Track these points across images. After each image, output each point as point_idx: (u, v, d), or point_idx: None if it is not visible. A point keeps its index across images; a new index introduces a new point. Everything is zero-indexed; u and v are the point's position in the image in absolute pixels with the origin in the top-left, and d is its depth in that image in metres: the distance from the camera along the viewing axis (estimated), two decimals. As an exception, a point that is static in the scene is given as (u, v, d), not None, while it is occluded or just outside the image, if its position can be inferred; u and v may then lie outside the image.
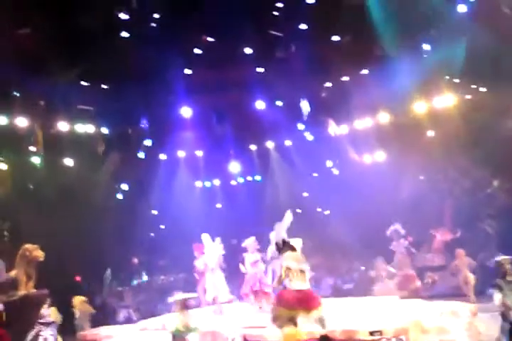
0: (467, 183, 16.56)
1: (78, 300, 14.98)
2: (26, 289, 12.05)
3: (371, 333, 9.65)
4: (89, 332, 13.52)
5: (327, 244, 13.51)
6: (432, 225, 16.32)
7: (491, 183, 17.31)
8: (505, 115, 15.06)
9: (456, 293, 13.64)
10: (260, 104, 17.04)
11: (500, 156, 15.04)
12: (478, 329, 10.51)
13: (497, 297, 8.69)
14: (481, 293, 13.91)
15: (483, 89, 15.35)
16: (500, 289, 8.72)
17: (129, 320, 15.27)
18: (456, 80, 15.50)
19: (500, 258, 9.26)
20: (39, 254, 12.00)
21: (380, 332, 9.59)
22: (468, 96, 15.49)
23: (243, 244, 13.59)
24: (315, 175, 19.70)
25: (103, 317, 15.41)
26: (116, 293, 16.41)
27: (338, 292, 14.36)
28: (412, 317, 10.39)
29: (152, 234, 20.07)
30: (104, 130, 16.91)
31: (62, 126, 15.76)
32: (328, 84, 17.12)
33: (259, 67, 16.28)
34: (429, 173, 16.88)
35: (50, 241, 13.71)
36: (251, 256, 13.52)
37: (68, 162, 16.56)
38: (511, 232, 12.40)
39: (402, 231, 15.29)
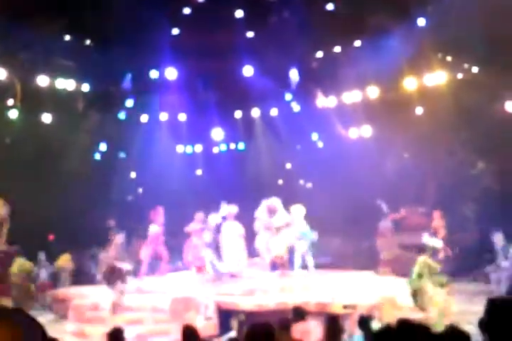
0: (452, 164, 16.73)
1: (62, 258, 15.14)
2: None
3: (344, 307, 9.88)
4: (61, 290, 13.65)
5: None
6: (413, 204, 16.55)
7: (476, 165, 17.55)
8: (495, 97, 15.16)
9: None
10: (248, 71, 16.82)
11: (487, 138, 15.21)
12: (451, 309, 10.80)
13: None
14: (457, 274, 14.26)
15: (475, 70, 15.38)
16: None
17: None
18: (449, 58, 15.53)
19: None
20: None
21: (354, 307, 9.82)
22: (460, 76, 15.52)
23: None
24: (299, 146, 19.73)
25: (78, 277, 15.56)
26: (91, 254, 16.48)
27: (314, 265, 14.57)
28: (386, 294, 10.64)
29: (129, 197, 20.05)
30: (85, 87, 16.61)
31: (42, 80, 15.46)
32: (319, 55, 17.00)
33: (249, 31, 16.08)
34: (414, 151, 16.99)
35: (23, 197, 13.68)
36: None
37: (46, 118, 16.33)
38: (493, 214, 12.64)
39: (386, 210, 15.56)
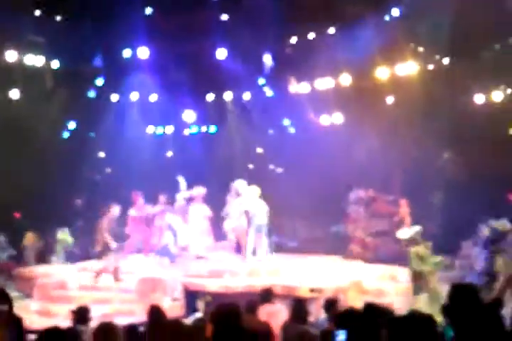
0: (419, 153, 16.99)
1: (28, 236, 15.02)
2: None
3: (311, 290, 10.06)
4: (27, 269, 13.57)
5: (275, 202, 13.76)
6: (380, 191, 16.80)
7: (442, 155, 17.88)
8: (464, 89, 15.44)
9: (397, 259, 14.23)
10: (221, 53, 16.74)
11: (453, 129, 15.49)
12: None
13: None
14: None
15: (446, 61, 15.61)
16: None
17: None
18: (421, 49, 15.70)
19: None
20: None
21: (320, 290, 10.01)
22: (431, 67, 15.73)
23: (191, 193, 13.79)
24: (271, 131, 19.79)
25: (42, 255, 15.47)
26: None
27: (281, 249, 14.76)
28: (352, 278, 10.87)
29: (98, 177, 19.90)
30: (55, 64, 16.35)
31: (11, 55, 15.18)
32: (294, 40, 17.02)
33: (224, 14, 15.99)
34: (383, 140, 17.20)
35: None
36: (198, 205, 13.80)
37: (14, 94, 16.07)
38: (457, 204, 12.94)
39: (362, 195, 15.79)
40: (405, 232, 12.10)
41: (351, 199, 16.26)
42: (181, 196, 14.13)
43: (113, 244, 11.92)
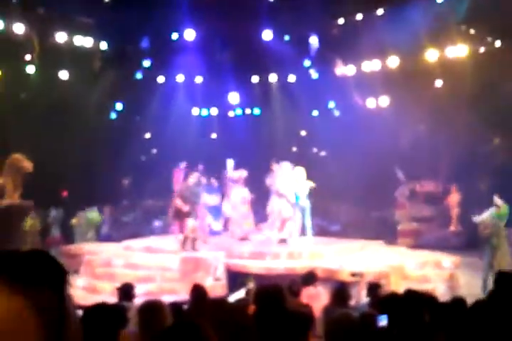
0: (468, 138, 16.63)
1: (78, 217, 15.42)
2: (12, 198, 12.27)
3: (352, 274, 10.01)
4: (74, 246, 13.91)
5: (318, 186, 13.66)
6: (426, 176, 16.55)
7: (492, 141, 17.44)
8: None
9: (442, 245, 14.06)
10: (267, 35, 16.64)
11: (504, 114, 15.07)
12: (459, 281, 10.93)
13: None
14: (468, 248, 14.37)
15: (498, 43, 15.18)
16: None
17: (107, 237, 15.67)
18: (472, 31, 15.29)
19: None
20: (28, 165, 12.14)
21: (361, 274, 9.96)
22: (482, 49, 15.32)
23: (233, 176, 13.84)
24: (315, 114, 19.63)
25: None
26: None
27: (324, 232, 14.72)
28: (394, 263, 10.77)
29: (143, 158, 20.16)
30: (103, 45, 16.56)
31: (60, 36, 15.41)
32: (341, 21, 16.76)
33: (271, -5, 15.87)
34: (431, 124, 16.88)
35: (38, 154, 13.79)
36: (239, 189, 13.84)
37: (63, 75, 16.36)
38: (506, 191, 12.60)
39: (403, 178, 15.60)
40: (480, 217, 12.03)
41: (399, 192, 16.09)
42: (227, 177, 14.15)
43: (185, 208, 11.97)
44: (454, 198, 14.83)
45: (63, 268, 0.94)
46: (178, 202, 12.16)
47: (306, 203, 13.24)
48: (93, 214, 15.93)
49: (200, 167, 14.33)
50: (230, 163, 14.39)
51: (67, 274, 0.95)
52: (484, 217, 11.65)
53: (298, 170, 13.28)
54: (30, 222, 13.80)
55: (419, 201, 16.31)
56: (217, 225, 14.43)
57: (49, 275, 0.90)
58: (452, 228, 15.43)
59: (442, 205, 15.41)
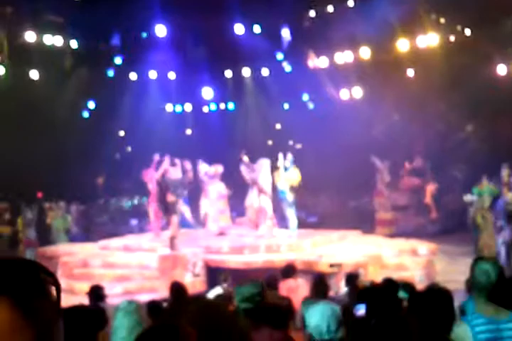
0: (441, 126, 16.75)
1: (51, 215, 15.15)
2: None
3: (331, 265, 10.00)
4: (50, 248, 13.71)
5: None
6: (400, 167, 16.64)
7: (465, 128, 17.60)
8: (487, 60, 15.10)
9: (418, 233, 14.14)
10: (239, 29, 16.54)
11: (476, 102, 15.20)
12: (436, 268, 10.99)
13: None
14: (443, 234, 14.49)
15: (468, 32, 15.28)
16: None
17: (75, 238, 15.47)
18: (442, 20, 15.37)
19: None
20: None
21: (340, 265, 9.95)
22: (453, 38, 15.41)
23: (209, 171, 13.73)
24: (289, 107, 19.61)
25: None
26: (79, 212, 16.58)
27: (302, 224, 14.69)
28: (372, 253, 10.79)
29: (118, 156, 19.97)
30: (74, 43, 16.38)
31: (30, 35, 15.22)
32: (312, 14, 16.75)
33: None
34: (404, 113, 16.97)
35: (10, 154, 13.59)
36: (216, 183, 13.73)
37: (34, 74, 16.14)
38: (479, 178, 12.74)
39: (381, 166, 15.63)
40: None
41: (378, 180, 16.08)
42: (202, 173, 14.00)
43: (172, 201, 11.78)
44: (432, 186, 14.94)
45: (50, 273, 0.94)
46: (170, 197, 11.83)
47: (290, 197, 13.19)
48: (59, 221, 15.51)
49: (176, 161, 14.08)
50: (203, 165, 14.07)
51: (57, 282, 0.94)
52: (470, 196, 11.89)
53: (265, 161, 13.03)
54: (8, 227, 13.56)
55: (395, 189, 16.35)
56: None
57: (36, 285, 0.90)
58: (433, 215, 15.51)
59: (418, 194, 15.50)
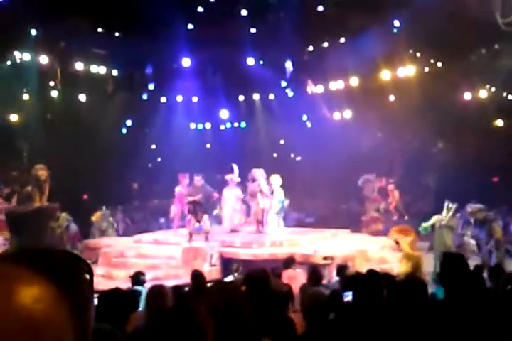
0: (417, 142, 16.76)
1: (96, 214, 15.10)
2: (40, 202, 12.13)
3: (324, 258, 9.99)
4: (93, 241, 13.76)
5: (296, 185, 13.70)
6: (384, 175, 16.60)
7: (437, 144, 17.60)
8: (455, 88, 15.23)
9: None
10: (250, 61, 16.79)
11: (446, 122, 15.25)
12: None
13: None
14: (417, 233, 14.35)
15: (439, 64, 15.39)
16: None
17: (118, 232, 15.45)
18: (418, 54, 15.48)
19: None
20: (41, 173, 12.00)
21: (332, 258, 9.94)
22: (427, 69, 15.51)
23: (227, 177, 13.71)
24: (291, 126, 19.62)
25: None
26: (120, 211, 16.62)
27: (301, 224, 14.69)
28: (358, 248, 10.77)
29: (150, 165, 20.07)
30: (115, 72, 16.72)
31: (79, 65, 15.59)
32: (310, 49, 16.90)
33: (252, 28, 15.93)
34: (386, 131, 16.99)
35: (61, 164, 13.69)
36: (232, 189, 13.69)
37: (82, 97, 16.47)
38: (447, 185, 12.71)
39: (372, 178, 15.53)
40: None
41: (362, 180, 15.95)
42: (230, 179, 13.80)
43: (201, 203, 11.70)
44: (395, 194, 14.88)
45: (86, 263, 0.97)
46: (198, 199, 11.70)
47: (286, 202, 13.29)
48: (102, 220, 15.39)
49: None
50: (235, 167, 13.92)
51: (91, 270, 0.97)
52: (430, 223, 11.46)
53: (275, 177, 13.05)
54: (57, 223, 13.52)
55: (378, 194, 16.28)
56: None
57: (75, 268, 0.92)
58: (406, 217, 15.43)
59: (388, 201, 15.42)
